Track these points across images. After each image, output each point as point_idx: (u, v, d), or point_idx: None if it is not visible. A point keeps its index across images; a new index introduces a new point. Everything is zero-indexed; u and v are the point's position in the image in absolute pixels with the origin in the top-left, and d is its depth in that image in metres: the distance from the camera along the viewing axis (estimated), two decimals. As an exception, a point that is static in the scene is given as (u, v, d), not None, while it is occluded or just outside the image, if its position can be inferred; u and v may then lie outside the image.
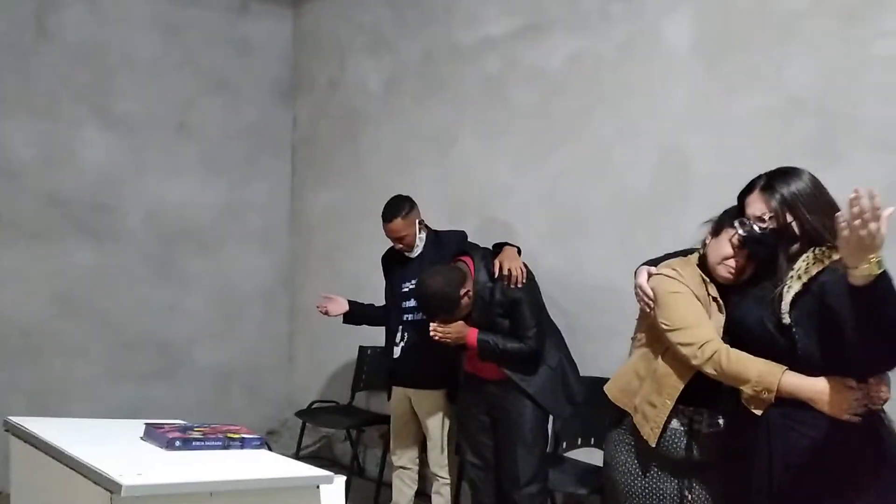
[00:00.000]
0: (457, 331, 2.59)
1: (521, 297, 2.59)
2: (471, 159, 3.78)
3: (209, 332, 4.62)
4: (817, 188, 1.76)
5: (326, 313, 3.24)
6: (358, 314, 3.28)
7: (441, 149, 3.95)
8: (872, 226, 1.35)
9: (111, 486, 1.31)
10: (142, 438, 1.80)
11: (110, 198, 4.28)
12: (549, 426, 2.84)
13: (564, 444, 3.13)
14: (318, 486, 1.57)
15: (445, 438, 3.07)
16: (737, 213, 1.89)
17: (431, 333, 2.59)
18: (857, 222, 1.36)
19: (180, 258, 4.53)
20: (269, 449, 1.81)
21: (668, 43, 2.97)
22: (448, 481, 3.06)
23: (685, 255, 2.04)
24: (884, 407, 1.69)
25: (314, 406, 4.25)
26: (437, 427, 3.05)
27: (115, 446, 1.70)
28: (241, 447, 1.78)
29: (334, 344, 4.45)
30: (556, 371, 2.69)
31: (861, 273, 1.40)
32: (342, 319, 3.29)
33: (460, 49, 3.86)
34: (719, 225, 1.94)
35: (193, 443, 1.70)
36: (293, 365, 5.01)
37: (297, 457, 3.90)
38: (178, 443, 1.68)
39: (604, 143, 3.18)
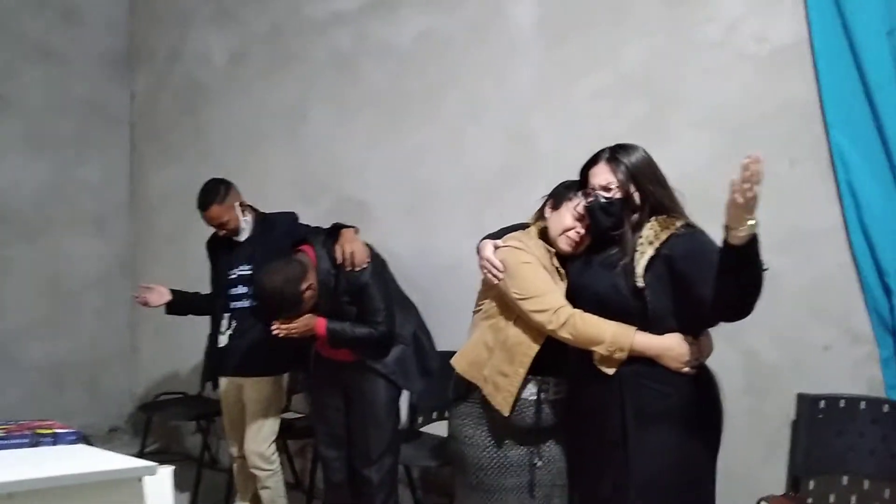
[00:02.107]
0: (303, 324, 2.49)
1: (367, 281, 2.53)
2: (323, 136, 3.68)
3: (38, 324, 4.25)
4: (652, 162, 1.90)
5: (146, 304, 3.02)
6: (182, 304, 3.10)
7: (291, 125, 3.82)
8: (757, 188, 1.46)
9: None
10: (-67, 441, 1.59)
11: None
12: (405, 401, 2.84)
13: (420, 420, 3.16)
14: (140, 479, 1.45)
15: (271, 429, 2.95)
16: (575, 186, 1.97)
17: (275, 332, 2.47)
18: (746, 185, 1.46)
19: (0, 244, 4.10)
20: (88, 444, 1.66)
21: (514, 23, 3.03)
22: (270, 471, 2.93)
23: (521, 230, 2.09)
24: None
25: (160, 399, 4.00)
26: (260, 417, 2.92)
27: None
28: (54, 443, 1.62)
29: (181, 333, 4.20)
30: (410, 345, 2.68)
31: (742, 233, 1.51)
32: (165, 310, 3.09)
33: (310, 22, 3.74)
34: (559, 198, 2.01)
35: (-6, 442, 1.54)
36: (136, 357, 4.71)
37: (141, 453, 3.66)
38: (-26, 443, 1.51)
39: (455, 121, 3.21)
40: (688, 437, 1.77)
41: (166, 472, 1.50)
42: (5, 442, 1.55)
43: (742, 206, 1.48)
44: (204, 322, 3.53)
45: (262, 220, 2.99)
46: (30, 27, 4.23)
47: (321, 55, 3.69)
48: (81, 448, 1.64)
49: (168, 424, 4.41)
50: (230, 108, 4.13)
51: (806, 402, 2.30)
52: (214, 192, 2.88)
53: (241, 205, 2.95)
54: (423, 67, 3.32)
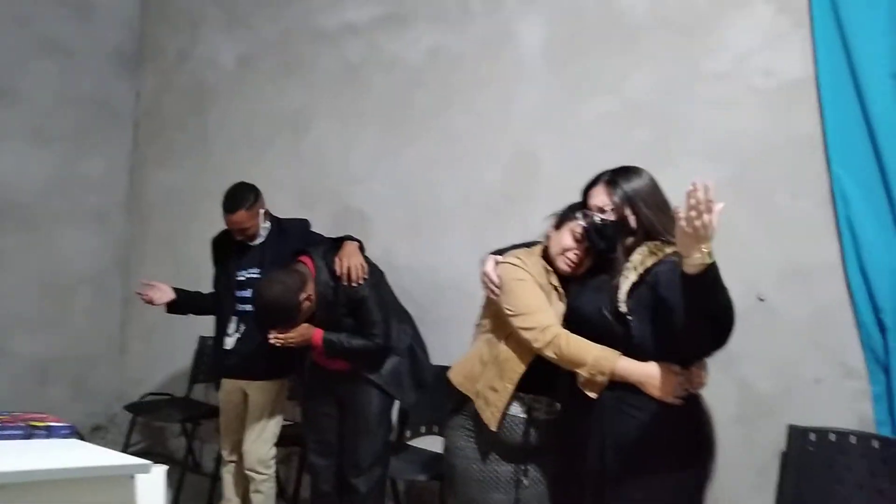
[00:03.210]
0: (300, 334, 2.51)
1: (364, 295, 2.54)
2: (326, 145, 3.69)
3: (27, 316, 4.19)
4: (655, 187, 1.87)
5: (150, 302, 2.99)
6: (185, 303, 3.07)
7: (295, 132, 3.83)
8: (706, 217, 1.43)
9: None
10: (-74, 428, 1.58)
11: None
12: (394, 414, 2.83)
13: (408, 433, 3.14)
14: (132, 476, 1.44)
15: (272, 433, 2.94)
16: (580, 207, 1.98)
17: (272, 341, 2.48)
18: (692, 213, 1.43)
19: (-1, 236, 4.08)
20: (82, 438, 1.65)
21: (522, 43, 3.06)
22: (266, 476, 2.92)
23: (530, 247, 2.10)
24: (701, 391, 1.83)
25: (146, 399, 3.97)
26: (263, 419, 2.92)
27: None
28: (48, 437, 1.61)
29: (172, 334, 4.19)
30: (405, 357, 2.68)
31: (694, 262, 1.48)
32: (166, 309, 3.07)
33: (320, 32, 3.76)
34: (562, 218, 2.03)
35: (-12, 432, 1.52)
36: (126, 356, 4.67)
37: (124, 453, 3.62)
38: (-32, 432, 1.50)
39: (459, 138, 3.23)
40: (669, 469, 1.72)
41: (159, 471, 1.49)
42: (-1, 432, 1.54)
43: (691, 235, 1.45)
44: (195, 324, 3.52)
45: (277, 224, 2.99)
46: (41, 21, 4.23)
47: (330, 65, 3.71)
48: (75, 442, 1.63)
49: (152, 425, 4.37)
50: (235, 113, 4.14)
51: (797, 434, 2.31)
52: (244, 199, 2.85)
53: (265, 213, 2.94)
54: (430, 83, 3.34)
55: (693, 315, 1.56)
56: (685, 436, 1.76)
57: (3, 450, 1.47)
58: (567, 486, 1.91)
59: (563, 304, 1.96)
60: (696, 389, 1.79)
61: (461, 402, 2.03)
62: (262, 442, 2.92)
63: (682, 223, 1.45)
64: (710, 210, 1.44)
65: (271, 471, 2.94)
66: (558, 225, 2.02)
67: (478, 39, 3.20)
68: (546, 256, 2.04)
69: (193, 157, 4.33)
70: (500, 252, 2.12)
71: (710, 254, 1.48)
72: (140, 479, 1.47)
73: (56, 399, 4.19)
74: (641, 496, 1.72)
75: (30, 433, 1.59)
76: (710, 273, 1.49)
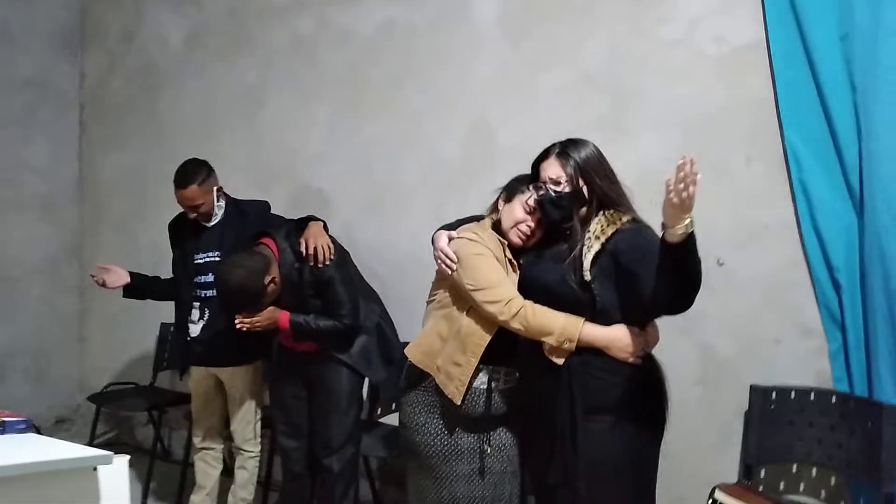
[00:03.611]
0: (266, 317, 2.48)
1: (332, 276, 2.51)
2: (281, 123, 3.63)
3: (-21, 310, 4.07)
4: (602, 157, 1.92)
5: (103, 284, 2.93)
6: (141, 287, 3.02)
7: (248, 111, 3.75)
8: (692, 188, 1.49)
9: None
10: None
11: None
12: (364, 391, 2.83)
13: (379, 410, 3.15)
14: (94, 469, 1.41)
15: (254, 413, 2.95)
16: (528, 180, 2.01)
17: (238, 326, 2.46)
18: (681, 185, 1.49)
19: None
20: (38, 432, 1.60)
21: (477, 16, 3.03)
22: (253, 454, 2.96)
23: (475, 222, 2.11)
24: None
25: (110, 389, 3.90)
26: (246, 402, 2.92)
27: None
28: (2, 432, 1.56)
29: (132, 322, 4.10)
30: (374, 335, 2.68)
31: (678, 231, 1.54)
32: (122, 293, 3.01)
33: (269, 6, 3.67)
34: (511, 191, 2.05)
35: (-61, 430, 1.47)
36: (85, 346, 4.57)
37: (90, 445, 3.55)
38: (-83, 432, 1.44)
39: (416, 112, 3.19)
40: (633, 424, 1.82)
41: (122, 462, 1.46)
42: (-50, 431, 1.49)
43: (678, 206, 1.51)
44: (156, 311, 3.45)
45: (233, 206, 2.93)
46: (-28, 1, 4.05)
47: (280, 40, 3.63)
48: (32, 437, 1.59)
49: (118, 415, 4.30)
50: (185, 92, 4.03)
51: (758, 394, 2.37)
52: (196, 173, 2.78)
53: (219, 190, 2.87)
54: (384, 57, 3.29)
55: (670, 280, 1.62)
56: (649, 392, 1.87)
57: (-44, 449, 1.43)
58: (534, 448, 1.97)
59: (516, 276, 1.99)
60: (650, 349, 1.88)
61: (419, 378, 2.03)
62: (245, 423, 2.93)
63: (672, 195, 1.50)
64: (694, 182, 1.49)
65: (258, 449, 2.97)
66: (508, 198, 2.04)
67: (431, 12, 3.15)
68: (498, 229, 2.05)
69: (145, 140, 4.21)
70: (449, 227, 2.12)
71: (691, 223, 1.54)
72: (103, 470, 1.44)
73: (15, 393, 4.08)
74: (611, 450, 1.80)
75: (-16, 430, 1.55)
76: (691, 241, 1.57)
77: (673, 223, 1.54)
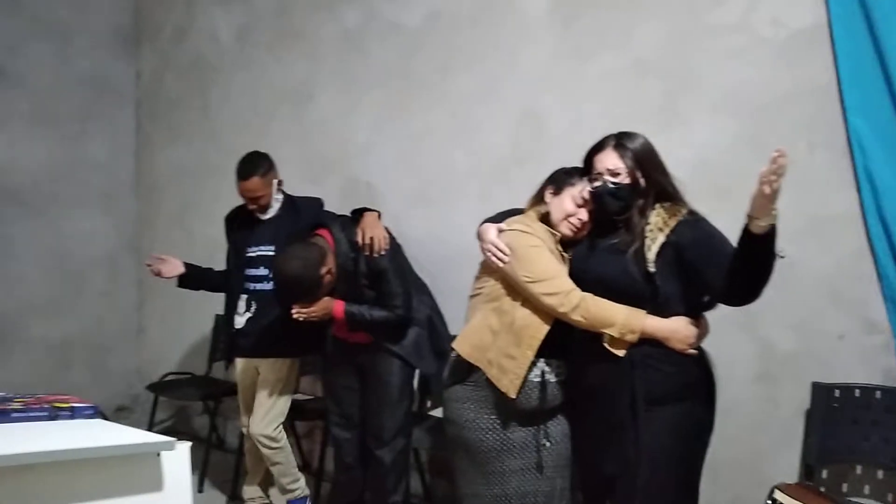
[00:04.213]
0: (322, 307, 2.50)
1: (386, 266, 2.53)
2: (329, 116, 3.66)
3: (44, 302, 4.23)
4: (654, 150, 1.93)
5: (159, 274, 3.00)
6: (195, 278, 3.07)
7: (298, 104, 3.79)
8: (781, 181, 1.52)
9: None
10: (-49, 414, 1.59)
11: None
12: (415, 384, 2.84)
13: (429, 403, 3.16)
14: (158, 454, 1.45)
15: (281, 411, 2.92)
16: (575, 172, 2.01)
17: (294, 316, 2.48)
18: (773, 177, 1.51)
19: (5, 221, 4.08)
20: (105, 418, 1.65)
21: (525, 2, 3.00)
22: (278, 449, 2.90)
23: (517, 214, 2.10)
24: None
25: (168, 378, 4.01)
26: (274, 396, 2.90)
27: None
28: (72, 417, 1.62)
29: (188, 313, 4.21)
30: (425, 328, 2.68)
31: (765, 222, 1.57)
32: (177, 283, 3.07)
33: (316, 0, 3.69)
34: (559, 184, 2.03)
35: (12, 414, 1.53)
36: (143, 336, 4.70)
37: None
38: (-8, 416, 1.51)
39: (464, 103, 3.18)
40: (690, 413, 1.84)
41: (184, 448, 1.50)
42: (24, 414, 1.54)
43: (769, 197, 1.53)
44: (211, 303, 3.52)
45: (288, 201, 2.97)
46: (36, 2, 4.18)
47: (328, 34, 3.65)
48: (99, 422, 1.64)
49: (175, 404, 4.42)
50: (237, 87, 4.10)
51: (821, 391, 2.30)
52: (258, 164, 2.83)
53: (278, 183, 2.91)
54: (432, 47, 3.29)
55: (743, 272, 1.64)
56: (704, 380, 1.89)
57: (28, 431, 1.49)
58: (589, 440, 1.97)
59: (566, 268, 1.97)
60: (702, 340, 1.90)
61: (466, 373, 2.02)
62: (268, 420, 2.89)
63: (764, 186, 1.52)
64: (783, 174, 1.51)
65: (281, 442, 2.93)
66: (557, 191, 2.03)
67: (477, 1, 3.13)
68: (545, 222, 2.03)
69: (198, 135, 4.31)
70: (492, 220, 2.10)
71: (777, 214, 1.57)
72: (166, 456, 1.48)
73: (77, 382, 4.23)
74: (671, 438, 1.81)
75: (54, 414, 1.60)
76: (773, 232, 1.59)
77: (761, 214, 1.56)
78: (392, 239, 2.63)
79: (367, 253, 2.51)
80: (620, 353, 1.83)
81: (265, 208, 2.90)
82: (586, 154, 1.97)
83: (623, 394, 1.83)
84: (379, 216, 2.67)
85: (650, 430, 1.80)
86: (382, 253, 2.52)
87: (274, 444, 2.91)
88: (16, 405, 1.57)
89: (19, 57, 4.12)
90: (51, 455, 1.32)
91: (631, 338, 1.81)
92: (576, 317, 1.85)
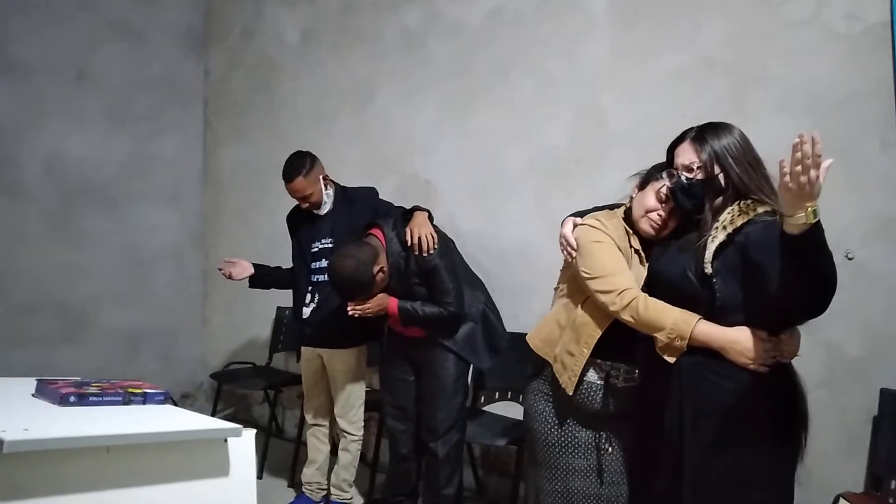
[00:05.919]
0: (377, 304, 2.57)
1: (436, 264, 2.57)
2: (390, 114, 3.71)
3: (115, 293, 4.41)
4: (745, 143, 1.74)
5: (230, 277, 3.10)
6: (265, 278, 3.17)
7: (359, 103, 3.85)
8: (812, 173, 1.32)
9: (-7, 443, 1.22)
10: (33, 395, 1.69)
11: (4, 150, 3.99)
12: (469, 379, 2.86)
13: (483, 398, 3.17)
14: (225, 440, 1.51)
15: (357, 396, 3.04)
16: (665, 167, 1.87)
17: (350, 313, 2.55)
18: (798, 168, 1.33)
19: (81, 215, 4.29)
20: (175, 404, 1.73)
21: (586, 1, 2.97)
22: (357, 438, 3.04)
23: (612, 209, 2.05)
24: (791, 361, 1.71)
25: (230, 368, 4.14)
26: (347, 385, 3.01)
27: (2, 403, 1.59)
28: (144, 403, 1.70)
29: (250, 305, 4.33)
30: (479, 323, 2.71)
31: (797, 221, 1.36)
32: (248, 284, 3.17)
33: (380, 1, 3.75)
34: (646, 178, 1.94)
35: (90, 398, 1.61)
36: (207, 327, 4.86)
37: (211, 419, 3.79)
38: (72, 398, 1.59)
39: (524, 100, 3.18)
40: (751, 438, 1.62)
41: (249, 435, 1.55)
42: (100, 399, 1.63)
43: (795, 192, 1.33)
44: (273, 295, 3.62)
45: (343, 193, 3.04)
46: (111, 4, 4.37)
47: (390, 33, 3.70)
48: (169, 408, 1.71)
49: (237, 393, 4.56)
50: (299, 86, 4.19)
51: (889, 398, 2.22)
52: (300, 165, 2.92)
53: (325, 178, 2.99)
54: (492, 46, 3.29)
55: (791, 279, 1.43)
56: (776, 407, 1.64)
57: (104, 414, 1.57)
58: (645, 453, 1.83)
59: (643, 268, 1.89)
60: (786, 358, 1.66)
61: (540, 367, 2.02)
62: (348, 407, 3.02)
63: (786, 179, 1.34)
64: (816, 165, 1.31)
65: (361, 433, 3.05)
66: (642, 186, 1.93)
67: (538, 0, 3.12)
68: (628, 219, 1.96)
69: (263, 132, 4.42)
70: (580, 214, 2.06)
71: (815, 212, 1.35)
72: (232, 442, 1.53)
73: (146, 369, 4.41)
74: (720, 461, 1.63)
75: (128, 399, 1.68)
76: (814, 234, 1.37)
77: (791, 211, 1.36)
78: (443, 236, 2.66)
79: (416, 252, 2.55)
80: (671, 359, 1.67)
81: (318, 204, 2.98)
82: (668, 147, 1.85)
83: (672, 404, 1.67)
84: (429, 215, 2.70)
85: (698, 446, 1.62)
86: (430, 252, 2.56)
87: (354, 432, 3.03)
88: (92, 389, 1.65)
89: (97, 58, 4.32)
90: (125, 438, 1.39)
91: (679, 344, 1.66)
92: (626, 317, 1.76)
